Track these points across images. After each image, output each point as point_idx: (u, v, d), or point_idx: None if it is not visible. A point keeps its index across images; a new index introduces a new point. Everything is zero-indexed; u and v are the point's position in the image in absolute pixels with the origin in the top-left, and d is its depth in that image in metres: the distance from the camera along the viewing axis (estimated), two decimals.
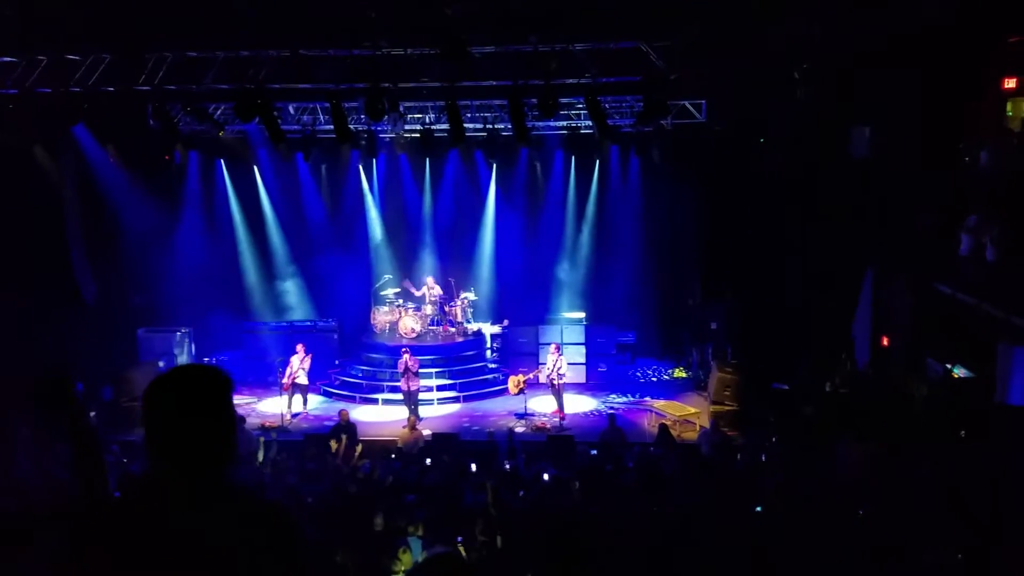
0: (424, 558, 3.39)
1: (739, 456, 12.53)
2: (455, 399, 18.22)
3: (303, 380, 17.15)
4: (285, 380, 16.87)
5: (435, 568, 3.23)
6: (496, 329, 20.69)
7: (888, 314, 14.74)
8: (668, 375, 20.20)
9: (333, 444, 13.42)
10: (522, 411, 16.89)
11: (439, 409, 17.77)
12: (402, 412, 16.56)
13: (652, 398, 17.73)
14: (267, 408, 17.65)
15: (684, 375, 19.91)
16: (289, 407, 16.80)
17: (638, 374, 20.36)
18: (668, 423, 15.47)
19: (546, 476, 10.71)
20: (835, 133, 14.89)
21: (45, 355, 16.24)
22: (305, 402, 17.42)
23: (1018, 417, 10.62)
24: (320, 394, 18.64)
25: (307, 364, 17.19)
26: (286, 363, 17.10)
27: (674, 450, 12.99)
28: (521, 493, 10.23)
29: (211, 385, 2.48)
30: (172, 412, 2.41)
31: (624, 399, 18.22)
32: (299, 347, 17.44)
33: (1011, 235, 10.82)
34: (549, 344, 18.50)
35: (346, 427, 14.48)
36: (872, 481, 9.73)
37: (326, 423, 16.03)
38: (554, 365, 16.59)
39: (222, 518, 2.39)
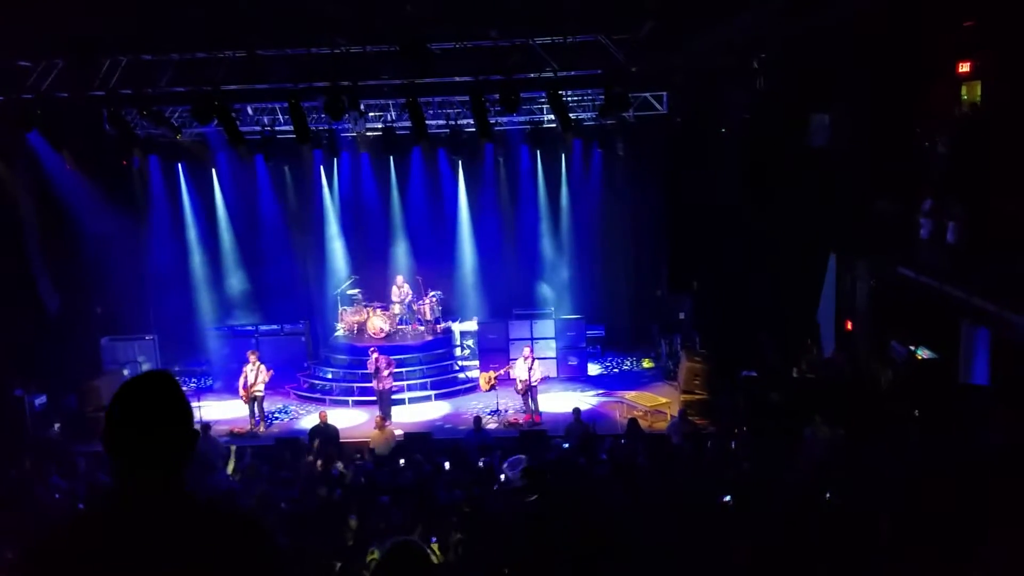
0: (385, 549, 3.36)
1: (708, 444, 12.61)
2: (426, 398, 18.16)
3: (260, 392, 16.34)
4: (242, 392, 16.31)
5: (396, 558, 3.21)
6: (465, 326, 20.65)
7: (851, 299, 14.91)
8: (638, 366, 20.29)
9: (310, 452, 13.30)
10: (494, 407, 16.88)
11: (411, 408, 17.70)
12: (374, 412, 16.45)
13: (623, 390, 17.80)
14: (235, 414, 17.39)
15: (651, 365, 20.02)
16: (252, 415, 16.46)
17: (608, 366, 20.44)
18: (639, 414, 15.57)
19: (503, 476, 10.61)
20: (795, 121, 15.02)
21: (7, 367, 15.99)
22: (259, 421, 16.48)
23: (981, 396, 10.79)
24: (290, 398, 18.51)
25: (263, 375, 16.28)
26: (237, 373, 16.65)
27: (643, 441, 13.05)
28: (496, 487, 10.24)
29: (173, 393, 2.43)
30: (141, 423, 2.36)
31: (595, 391, 18.27)
32: (250, 355, 16.70)
33: (970, 217, 10.97)
34: (519, 340, 18.53)
35: (324, 429, 14.39)
36: (838, 465, 9.83)
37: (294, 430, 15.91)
38: (529, 371, 16.29)
39: (193, 529, 2.34)
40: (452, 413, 17.31)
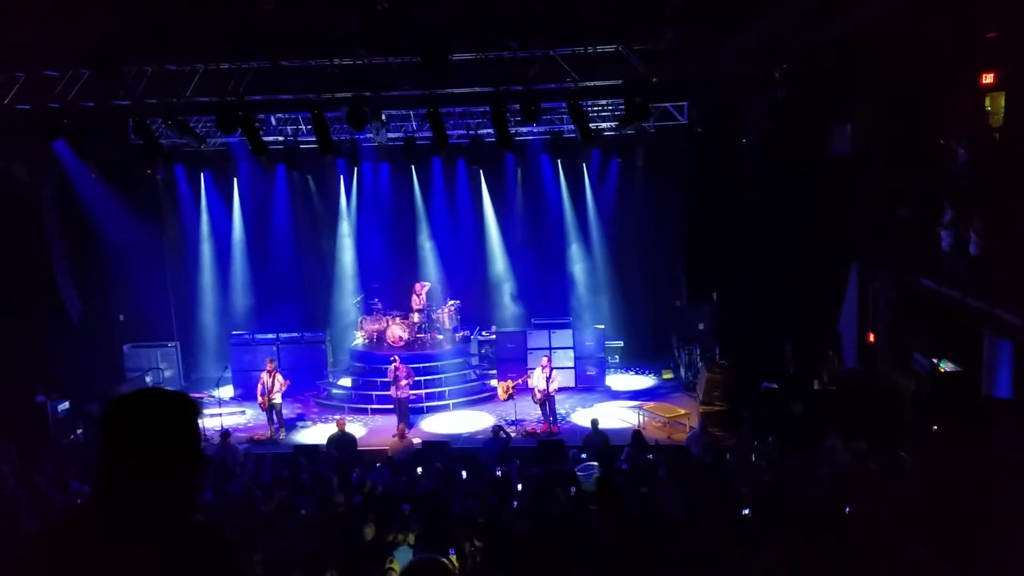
0: (409, 565, 3.38)
1: (728, 456, 12.53)
2: (444, 406, 18.18)
3: (277, 400, 16.40)
4: (260, 399, 16.40)
5: (420, 574, 3.22)
6: (484, 335, 20.68)
7: (873, 310, 14.80)
8: (657, 377, 20.21)
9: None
10: (511, 417, 16.87)
11: (429, 416, 17.72)
12: (393, 421, 16.49)
13: (642, 400, 17.73)
14: (255, 421, 17.50)
15: (670, 376, 19.94)
16: (271, 422, 16.55)
17: (627, 376, 20.37)
18: (658, 424, 15.50)
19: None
20: (816, 131, 14.97)
21: (31, 373, 16.17)
22: (279, 427, 16.58)
23: (1005, 409, 10.67)
24: (310, 405, 18.61)
25: (279, 383, 16.36)
26: (255, 380, 16.71)
27: (654, 453, 12.98)
28: (516, 504, 10.21)
29: (166, 412, 2.41)
30: (123, 435, 2.35)
31: (613, 402, 18.21)
32: (268, 362, 16.82)
33: (993, 229, 10.89)
34: (537, 349, 18.51)
35: (342, 436, 14.43)
36: (860, 477, 9.75)
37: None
38: (547, 380, 16.26)
39: (154, 546, 2.30)
40: (469, 421, 17.30)
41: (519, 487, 10.89)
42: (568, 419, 17.07)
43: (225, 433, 14.46)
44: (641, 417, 16.34)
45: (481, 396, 18.80)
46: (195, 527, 2.44)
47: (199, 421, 2.49)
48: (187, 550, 2.33)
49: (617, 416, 17.06)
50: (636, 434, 14.03)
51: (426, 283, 20.27)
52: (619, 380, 20.06)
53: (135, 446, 2.34)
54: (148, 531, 2.31)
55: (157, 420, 2.39)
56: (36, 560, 2.32)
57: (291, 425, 17.21)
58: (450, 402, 18.31)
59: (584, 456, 12.99)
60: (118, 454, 2.34)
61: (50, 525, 2.46)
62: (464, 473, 11.90)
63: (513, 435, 15.98)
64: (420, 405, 17.79)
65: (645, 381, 20.06)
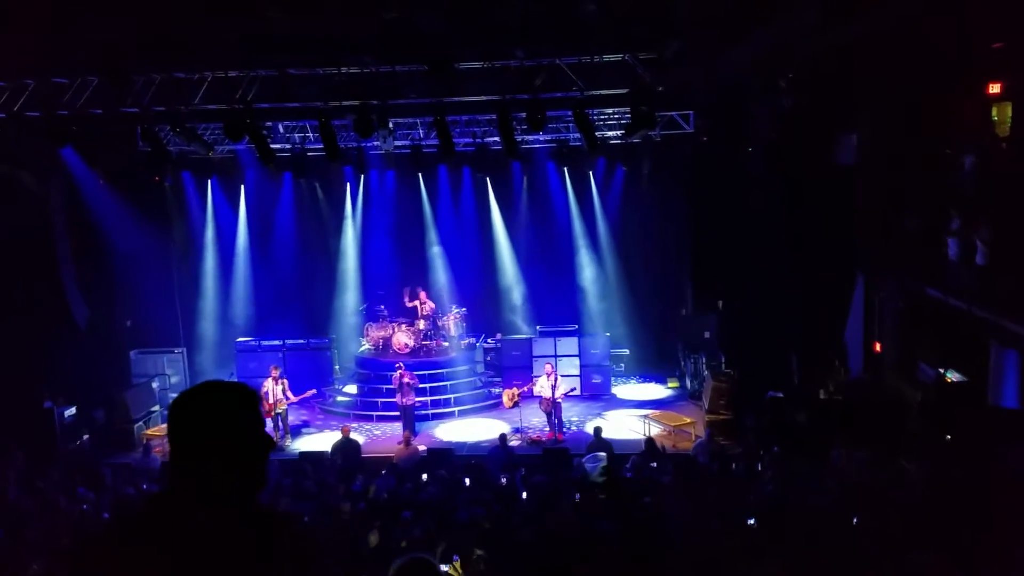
0: (398, 565, 3.39)
1: (734, 466, 12.51)
2: (450, 414, 18.18)
3: (282, 408, 16.38)
4: (265, 405, 16.29)
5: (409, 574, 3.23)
6: (489, 343, 20.69)
7: (880, 320, 14.77)
8: (663, 385, 20.19)
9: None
10: (517, 424, 16.86)
11: (434, 424, 17.72)
12: (398, 428, 16.50)
13: (647, 408, 17.71)
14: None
15: (676, 385, 19.92)
16: (276, 428, 16.50)
17: (633, 384, 20.35)
18: (664, 433, 15.48)
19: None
20: (822, 140, 14.97)
21: (37, 379, 16.23)
22: (284, 434, 16.58)
23: (1012, 420, 10.63)
24: (315, 412, 18.62)
25: (286, 389, 16.35)
26: (261, 386, 16.65)
27: (664, 461, 12.97)
28: (521, 512, 10.20)
29: (244, 400, 2.51)
30: (192, 430, 2.43)
31: (620, 410, 18.20)
32: (273, 369, 16.76)
33: (1000, 238, 10.86)
34: (542, 357, 18.50)
35: (347, 443, 14.44)
36: (866, 487, 9.72)
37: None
38: (552, 388, 16.25)
39: (240, 538, 2.38)
40: (474, 428, 17.31)
41: (524, 495, 10.89)
42: (576, 428, 17.06)
43: None
44: (647, 426, 16.32)
45: (486, 404, 18.79)
46: (272, 514, 2.54)
47: (259, 409, 2.58)
48: (270, 535, 2.44)
49: (624, 425, 17.06)
50: (649, 442, 14.03)
51: (422, 292, 20.18)
52: (625, 389, 20.05)
53: (208, 437, 2.41)
54: (230, 518, 2.39)
55: (226, 411, 2.47)
56: (119, 551, 2.36)
57: (296, 432, 17.23)
58: (455, 409, 18.31)
59: (586, 463, 13.00)
60: (190, 446, 2.41)
61: (126, 516, 2.52)
62: (467, 481, 11.91)
63: (518, 443, 15.99)
64: (425, 412, 17.80)
65: (651, 389, 20.04)
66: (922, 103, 12.18)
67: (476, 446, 15.86)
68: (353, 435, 15.04)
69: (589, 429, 15.52)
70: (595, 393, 19.26)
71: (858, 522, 8.15)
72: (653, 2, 11.69)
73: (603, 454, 11.91)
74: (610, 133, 18.34)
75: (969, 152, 11.75)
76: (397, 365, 17.02)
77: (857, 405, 13.87)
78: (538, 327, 20.34)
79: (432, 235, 21.60)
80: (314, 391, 16.90)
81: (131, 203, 18.93)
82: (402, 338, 19.40)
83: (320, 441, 16.57)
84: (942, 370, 12.45)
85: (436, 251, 21.53)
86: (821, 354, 15.70)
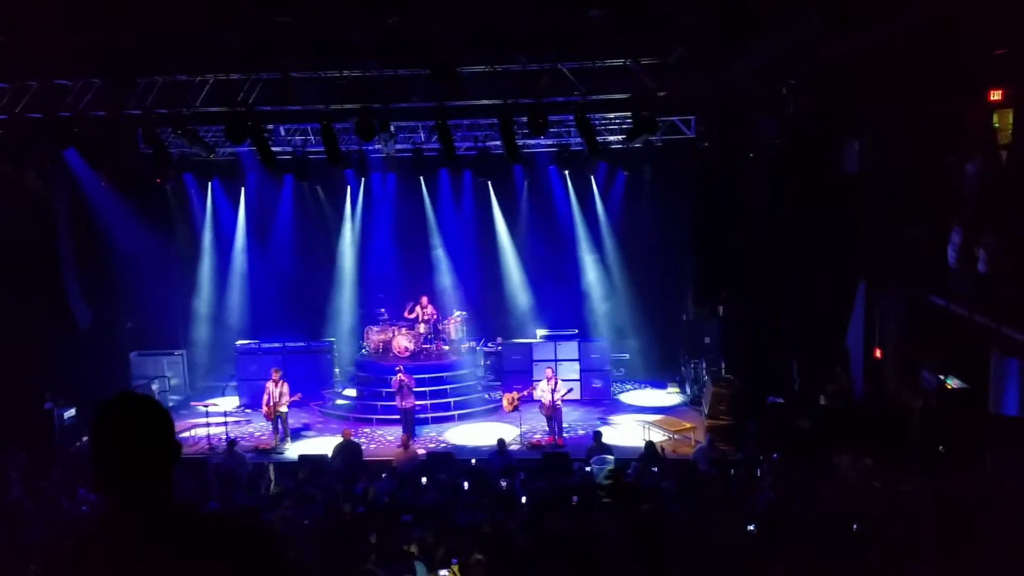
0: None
1: (733, 472, 12.50)
2: (450, 418, 18.16)
3: (283, 410, 16.37)
4: (265, 408, 16.41)
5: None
6: (490, 347, 20.68)
7: (881, 326, 14.75)
8: (662, 390, 20.17)
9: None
10: (523, 430, 16.82)
11: (434, 427, 17.70)
12: (397, 431, 16.48)
13: (648, 413, 17.69)
14: (261, 430, 17.52)
15: (676, 390, 19.90)
16: (276, 431, 16.51)
17: (633, 389, 20.34)
18: (664, 438, 15.47)
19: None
20: (825, 147, 14.95)
21: (38, 380, 16.21)
22: (284, 437, 16.55)
23: (1012, 427, 10.62)
24: (315, 415, 18.60)
25: (285, 392, 16.32)
26: (261, 389, 16.69)
27: (664, 465, 12.96)
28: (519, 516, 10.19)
29: (147, 412, 2.47)
30: (125, 442, 2.39)
31: (618, 415, 18.18)
32: (274, 372, 16.75)
33: (1002, 246, 10.85)
34: (542, 361, 18.49)
35: (347, 446, 14.43)
36: (867, 494, 9.71)
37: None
38: (552, 392, 16.22)
39: (195, 541, 2.37)
40: (474, 432, 17.29)
41: (523, 499, 10.88)
42: (580, 432, 17.05)
43: (231, 442, 14.49)
44: (647, 431, 16.30)
45: (487, 408, 18.77)
46: (215, 516, 2.53)
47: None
48: (223, 539, 2.42)
49: (624, 429, 17.05)
50: (649, 445, 14.02)
51: (423, 297, 20.14)
52: (626, 393, 20.05)
53: (138, 448, 2.39)
54: (176, 526, 2.39)
55: (151, 421, 2.45)
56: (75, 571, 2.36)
57: (296, 435, 17.21)
58: (455, 413, 18.29)
59: (588, 469, 12.99)
60: (120, 457, 2.38)
61: (75, 536, 2.50)
62: (466, 484, 11.90)
63: (518, 447, 15.97)
64: (425, 416, 17.78)
65: (651, 394, 20.03)
66: (925, 110, 12.17)
67: (476, 450, 15.85)
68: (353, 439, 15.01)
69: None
70: (595, 398, 19.24)
71: (858, 529, 8.13)
72: (656, 8, 11.68)
73: (610, 457, 11.95)
74: (611, 138, 18.36)
75: (971, 159, 11.74)
76: (397, 368, 17.02)
77: (858, 411, 13.86)
78: (539, 331, 20.33)
79: (433, 239, 21.60)
80: (299, 395, 16.81)
81: (133, 205, 18.94)
82: (402, 341, 19.40)
83: (320, 445, 16.55)
84: (943, 377, 12.43)
85: (438, 254, 21.54)
86: (822, 360, 15.67)
